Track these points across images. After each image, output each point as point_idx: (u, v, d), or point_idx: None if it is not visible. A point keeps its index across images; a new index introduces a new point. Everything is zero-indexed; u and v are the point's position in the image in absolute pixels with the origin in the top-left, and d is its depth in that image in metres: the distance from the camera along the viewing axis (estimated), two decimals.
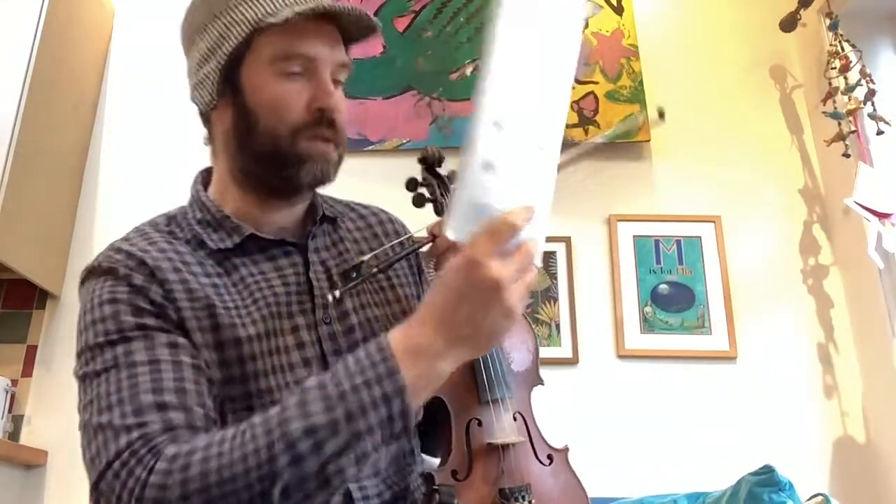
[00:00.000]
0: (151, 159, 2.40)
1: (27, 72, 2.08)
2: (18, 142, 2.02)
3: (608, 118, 2.39)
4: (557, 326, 2.22)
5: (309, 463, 0.70)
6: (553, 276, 2.27)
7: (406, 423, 0.73)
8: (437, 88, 2.47)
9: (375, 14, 2.52)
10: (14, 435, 2.07)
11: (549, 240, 2.29)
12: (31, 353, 2.16)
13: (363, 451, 0.72)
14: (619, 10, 2.53)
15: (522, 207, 0.71)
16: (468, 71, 2.48)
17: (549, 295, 2.26)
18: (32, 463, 2.05)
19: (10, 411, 2.05)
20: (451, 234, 0.69)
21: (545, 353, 2.19)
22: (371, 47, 2.50)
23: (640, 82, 2.44)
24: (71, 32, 2.33)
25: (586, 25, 2.49)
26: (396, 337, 0.74)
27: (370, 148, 2.42)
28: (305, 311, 0.93)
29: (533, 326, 1.03)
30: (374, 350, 0.74)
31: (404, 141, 2.41)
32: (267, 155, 0.91)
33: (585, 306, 2.25)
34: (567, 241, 2.31)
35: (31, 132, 2.08)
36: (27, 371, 2.14)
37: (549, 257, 2.29)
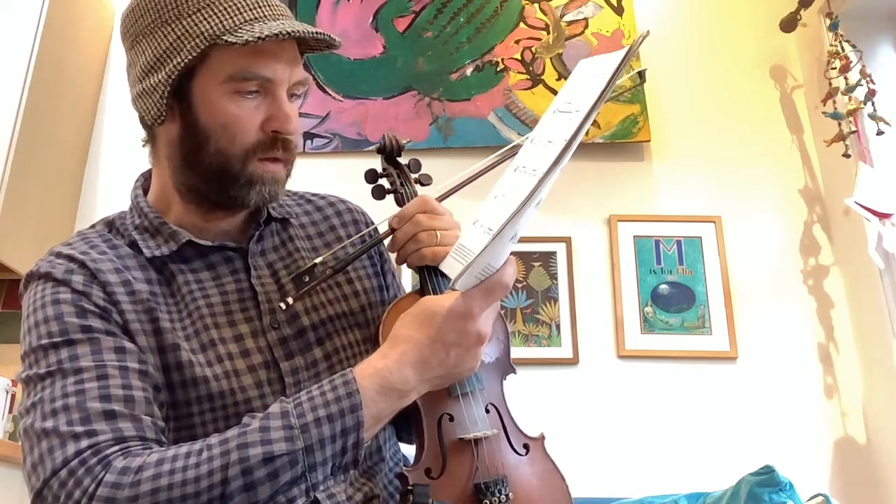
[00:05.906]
0: None
1: (27, 72, 2.08)
2: (19, 142, 2.02)
3: (608, 118, 2.39)
4: (557, 326, 2.22)
5: (262, 490, 0.72)
6: (553, 277, 2.27)
7: (356, 456, 0.76)
8: (437, 89, 2.47)
9: (375, 14, 2.53)
10: (14, 435, 2.07)
11: (550, 240, 2.32)
12: None
13: (314, 481, 0.74)
14: (619, 10, 2.52)
15: (513, 267, 0.78)
16: (468, 71, 2.48)
17: (549, 295, 2.26)
18: None
19: (10, 411, 2.05)
20: (459, 287, 0.76)
21: (545, 353, 2.19)
22: (371, 47, 2.50)
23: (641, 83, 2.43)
24: (71, 32, 2.33)
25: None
26: (368, 372, 0.78)
27: (370, 148, 2.41)
28: (251, 319, 0.90)
29: (503, 315, 1.01)
30: (340, 384, 0.77)
31: (404, 142, 2.40)
32: (215, 173, 0.88)
33: (586, 306, 2.25)
34: (567, 241, 2.31)
35: (31, 132, 2.08)
36: None
37: (549, 257, 2.29)
